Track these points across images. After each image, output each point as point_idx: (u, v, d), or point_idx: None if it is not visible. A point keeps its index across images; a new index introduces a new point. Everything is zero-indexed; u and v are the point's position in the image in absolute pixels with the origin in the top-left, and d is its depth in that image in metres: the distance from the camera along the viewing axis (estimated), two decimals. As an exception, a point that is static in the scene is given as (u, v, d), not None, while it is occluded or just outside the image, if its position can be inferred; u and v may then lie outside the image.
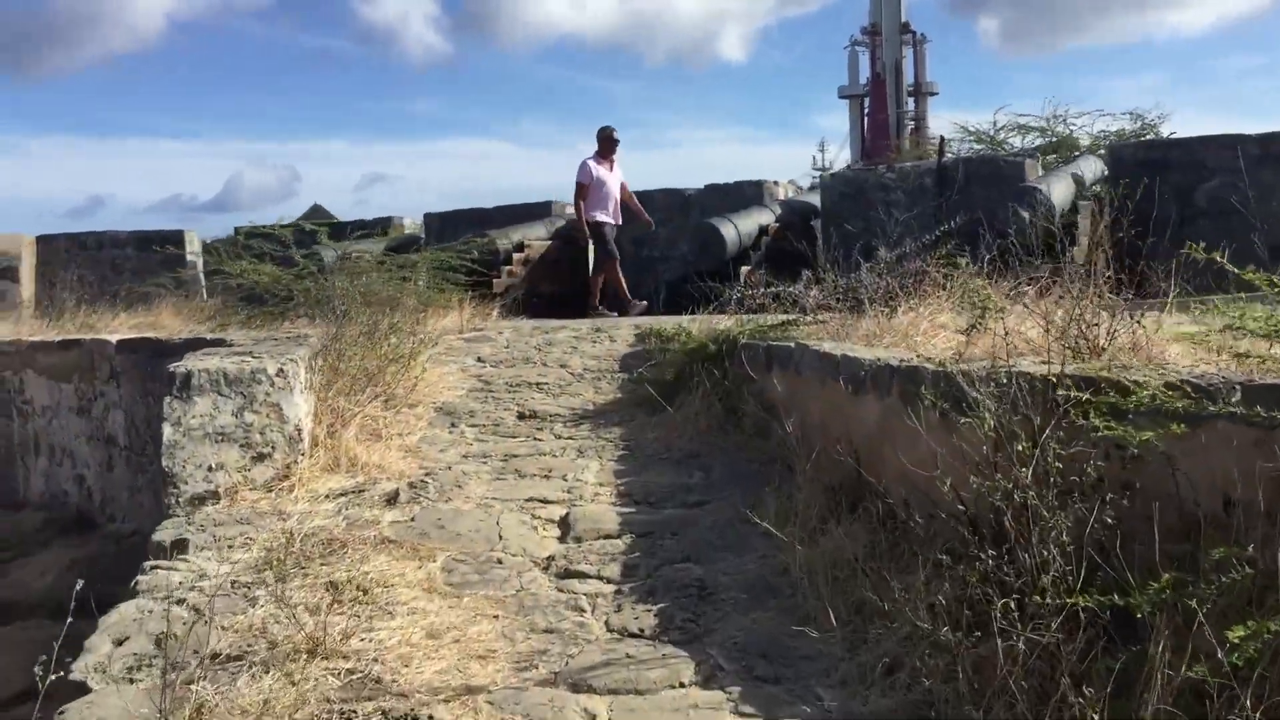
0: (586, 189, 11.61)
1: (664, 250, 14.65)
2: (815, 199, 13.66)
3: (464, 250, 11.09)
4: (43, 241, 18.75)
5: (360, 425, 5.32)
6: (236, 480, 4.55)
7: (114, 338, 7.30)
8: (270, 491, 4.58)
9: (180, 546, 4.08)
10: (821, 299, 5.97)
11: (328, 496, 4.56)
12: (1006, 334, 3.75)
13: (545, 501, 4.53)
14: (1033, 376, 3.35)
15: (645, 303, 11.45)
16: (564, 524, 4.30)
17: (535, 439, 5.58)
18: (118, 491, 7.26)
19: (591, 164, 11.60)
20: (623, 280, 11.95)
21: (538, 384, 6.70)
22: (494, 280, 13.50)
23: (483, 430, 5.77)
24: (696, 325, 7.71)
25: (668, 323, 8.44)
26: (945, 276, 6.08)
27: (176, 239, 18.63)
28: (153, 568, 3.87)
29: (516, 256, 14.25)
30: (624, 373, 6.97)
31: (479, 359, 7.43)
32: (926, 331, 5.26)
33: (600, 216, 11.67)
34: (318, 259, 15.75)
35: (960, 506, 3.35)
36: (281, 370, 4.74)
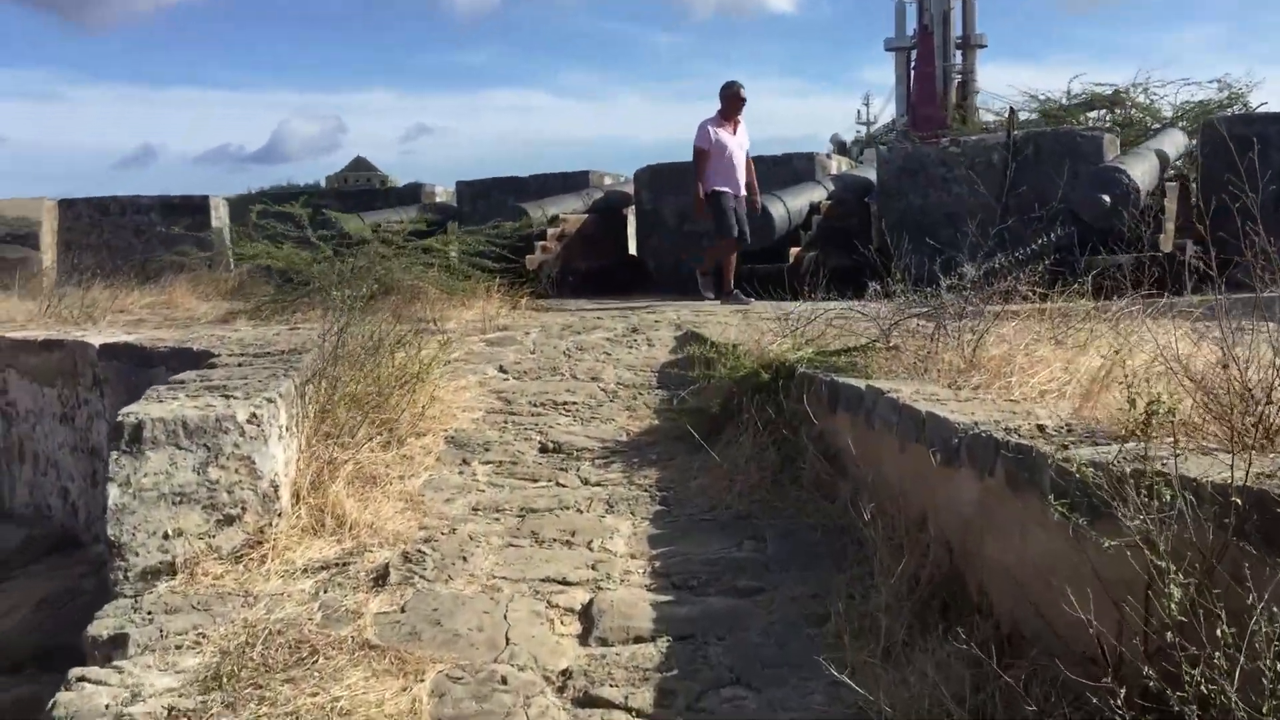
0: (706, 155, 10.32)
1: (707, 225, 13.78)
2: (871, 174, 12.73)
3: (494, 234, 10.27)
4: (64, 206, 18.18)
5: (354, 470, 4.56)
6: (198, 550, 3.81)
7: (97, 341, 6.59)
8: (239, 563, 3.83)
9: (119, 644, 3.36)
10: (893, 316, 5.13)
11: (305, 570, 3.81)
12: (1157, 409, 2.90)
13: (565, 583, 3.74)
14: (1200, 483, 2.52)
15: (752, 301, 9.84)
16: (586, 616, 3.52)
17: (558, 484, 4.79)
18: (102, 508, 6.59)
19: (711, 127, 10.32)
20: (733, 266, 10.71)
21: (565, 404, 5.91)
22: (527, 258, 12.73)
23: (498, 469, 5.00)
24: (740, 330, 6.90)
25: (712, 323, 7.63)
26: (1039, 293, 5.24)
27: (201, 205, 18.02)
28: (79, 680, 3.15)
29: (551, 232, 13.44)
30: (662, 389, 6.18)
31: (501, 368, 6.65)
32: (1023, 367, 4.42)
33: (721, 185, 10.40)
34: (338, 231, 15.12)
35: (1100, 650, 2.55)
36: (254, 416, 3.97)
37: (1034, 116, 15.13)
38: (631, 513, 4.40)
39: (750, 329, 7.46)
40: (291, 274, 9.51)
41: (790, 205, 11.48)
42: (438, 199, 17.41)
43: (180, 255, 13.84)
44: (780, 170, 13.14)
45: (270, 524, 3.96)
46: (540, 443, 5.32)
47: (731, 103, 10.43)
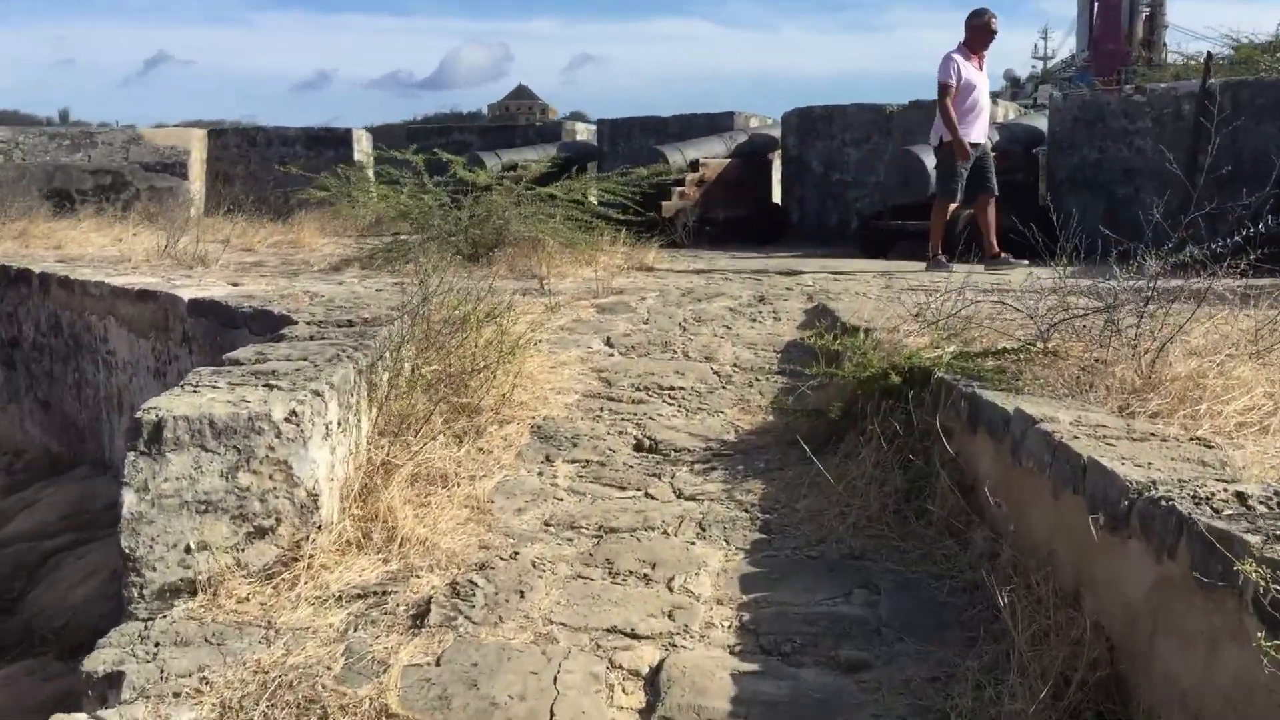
0: (953, 93, 9.06)
1: (856, 175, 12.88)
2: (1041, 123, 11.62)
3: (623, 182, 9.62)
4: (214, 136, 18.34)
5: (419, 468, 4.04)
6: (223, 566, 3.35)
7: (188, 295, 6.24)
8: (269, 582, 3.36)
9: (114, 683, 2.93)
10: (1052, 313, 4.31)
11: (340, 599, 3.30)
12: None
13: (633, 635, 3.14)
14: None
15: (1026, 262, 8.48)
16: (653, 686, 2.91)
17: (648, 494, 4.18)
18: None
19: (958, 59, 9.07)
20: (994, 225, 9.39)
21: (671, 389, 5.28)
22: (662, 204, 12.08)
23: (583, 471, 4.41)
24: (878, 304, 6.14)
25: (849, 294, 6.88)
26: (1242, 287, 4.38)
27: (345, 138, 17.94)
28: (57, 731, 2.73)
29: (690, 176, 12.76)
30: (783, 374, 5.49)
31: (608, 341, 6.05)
32: (1214, 393, 3.60)
33: (967, 133, 9.12)
34: (480, 167, 14.71)
35: None
36: (294, 414, 3.47)
37: (1232, 62, 13.59)
38: (725, 540, 3.76)
39: (890, 302, 6.68)
40: (409, 219, 9.10)
41: (947, 157, 10.48)
42: (579, 136, 16.85)
43: (319, 190, 13.59)
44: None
45: (308, 537, 3.47)
46: (636, 438, 4.71)
47: (979, 34, 9.18)
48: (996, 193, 9.33)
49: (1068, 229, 7.87)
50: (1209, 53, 10.62)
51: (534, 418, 4.86)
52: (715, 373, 5.55)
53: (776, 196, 14.00)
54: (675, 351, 5.88)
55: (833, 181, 13.02)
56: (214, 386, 3.69)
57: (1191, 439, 3.21)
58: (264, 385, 3.69)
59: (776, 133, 13.89)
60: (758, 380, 5.43)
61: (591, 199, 10.07)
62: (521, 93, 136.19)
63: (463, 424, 4.57)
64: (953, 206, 9.44)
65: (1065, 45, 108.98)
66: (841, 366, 4.61)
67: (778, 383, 5.38)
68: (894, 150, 12.22)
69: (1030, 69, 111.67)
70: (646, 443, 4.66)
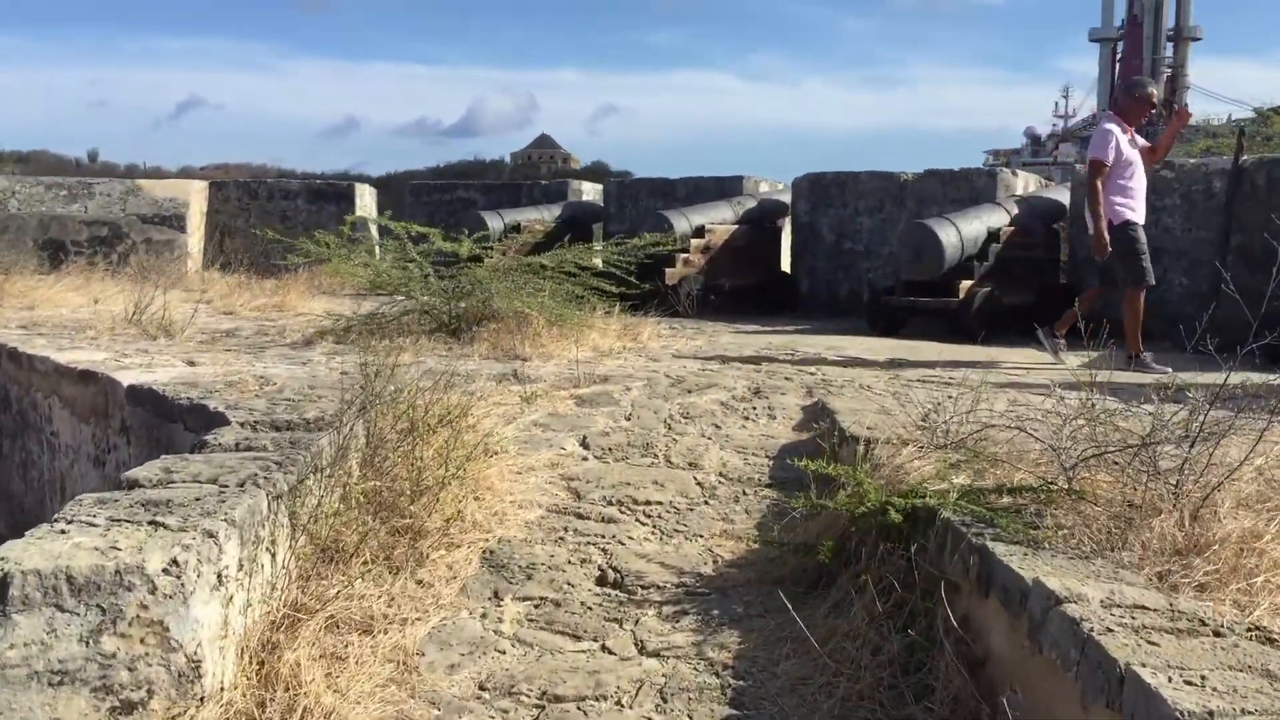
0: (1107, 172, 7.96)
1: (869, 244, 12.37)
2: (1063, 196, 11.07)
3: (619, 252, 9.10)
4: (214, 188, 17.99)
5: (341, 612, 3.48)
6: (79, 750, 2.79)
7: (128, 379, 5.72)
8: (134, 771, 2.80)
9: None
10: (1078, 449, 3.73)
11: (212, 799, 2.74)
12: None
13: None
14: None
15: (1169, 370, 7.52)
16: None
17: (606, 647, 3.59)
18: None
19: (1117, 132, 7.99)
20: (1141, 319, 8.22)
21: (647, 505, 4.72)
22: (666, 271, 11.58)
23: (535, 611, 3.84)
24: (884, 404, 5.59)
25: (853, 388, 6.33)
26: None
27: (347, 193, 17.57)
28: None
29: (695, 243, 12.28)
30: (775, 486, 4.93)
31: (584, 441, 5.49)
32: (1275, 562, 3.01)
33: (1130, 213, 8.06)
34: (481, 228, 14.26)
35: None
36: (174, 564, 2.92)
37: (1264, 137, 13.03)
38: (689, 716, 3.18)
39: (897, 399, 6.11)
40: (385, 289, 8.60)
41: (963, 230, 9.98)
42: (585, 196, 16.41)
43: (303, 254, 13.10)
44: (954, 188, 11.63)
45: (185, 712, 2.91)
46: (601, 568, 4.14)
47: (1141, 106, 8.20)
48: (1152, 281, 8.24)
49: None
50: (1241, 128, 10.10)
51: (487, 540, 4.29)
52: (699, 483, 4.98)
53: (786, 264, 13.49)
54: (656, 456, 5.32)
55: (844, 251, 12.50)
56: (90, 524, 3.14)
57: (1250, 630, 2.62)
58: (149, 522, 3.14)
59: (787, 198, 13.41)
60: (745, 495, 4.86)
61: (596, 262, 9.56)
62: (544, 142, 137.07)
63: (403, 550, 4.01)
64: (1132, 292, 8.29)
65: (1086, 104, 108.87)
66: (834, 494, 4.04)
67: (767, 499, 4.81)
68: (906, 221, 11.73)
69: (1051, 127, 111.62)
70: (612, 575, 4.08)
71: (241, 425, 4.57)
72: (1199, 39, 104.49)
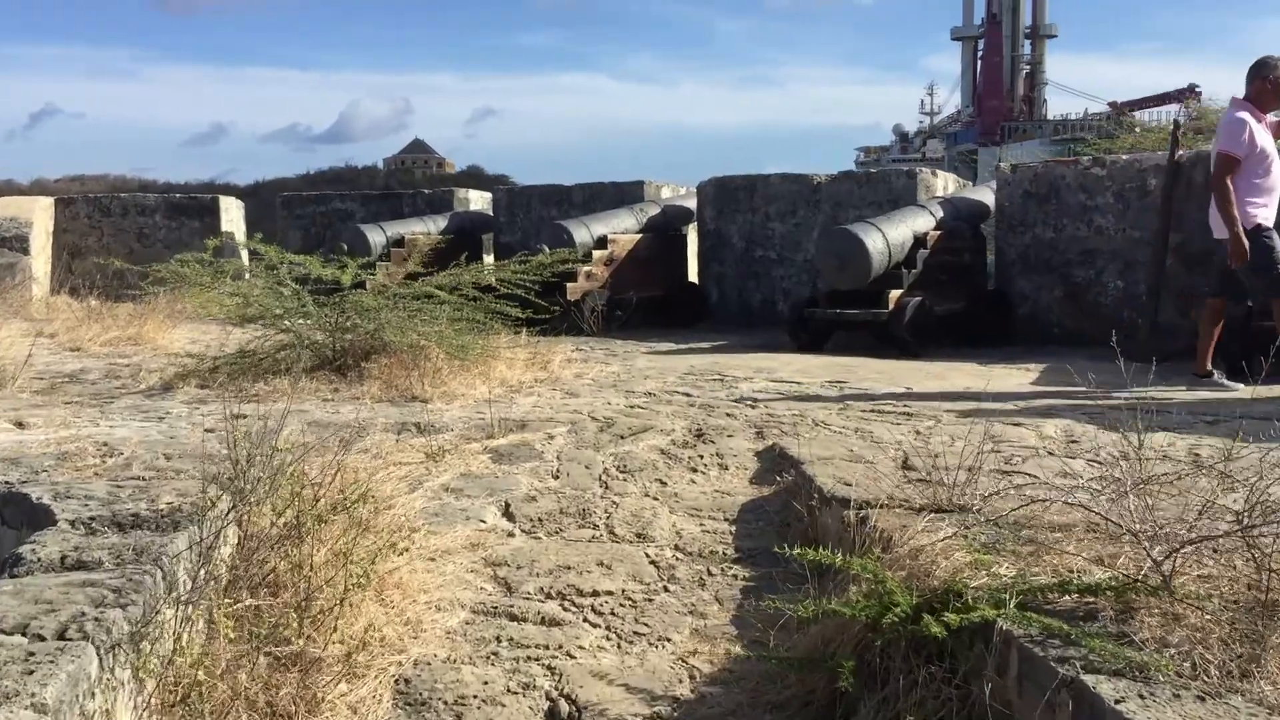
0: (1238, 166, 6.89)
1: (781, 251, 11.66)
2: (986, 196, 10.51)
3: (524, 272, 8.16)
4: (61, 205, 16.43)
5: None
6: None
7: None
8: None
9: None
10: (1174, 532, 2.97)
11: None
12: None
13: None
14: None
15: (1241, 386, 6.89)
16: None
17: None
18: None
19: (1250, 121, 6.93)
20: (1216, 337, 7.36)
21: (595, 595, 3.82)
22: (568, 286, 10.68)
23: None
24: (849, 439, 4.82)
25: (806, 422, 5.54)
26: None
27: (211, 207, 16.23)
28: None
29: (598, 254, 11.42)
30: (744, 560, 4.10)
31: (506, 509, 4.57)
32: None
33: (1261, 216, 6.92)
34: (362, 244, 13.14)
35: None
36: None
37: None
38: None
39: (862, 439, 5.34)
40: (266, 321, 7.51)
41: (890, 236, 9.32)
42: (473, 206, 15.40)
43: (180, 269, 11.72)
44: (872, 190, 11.01)
45: None
46: (550, 697, 3.23)
47: (1274, 90, 7.03)
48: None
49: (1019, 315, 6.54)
50: (1176, 121, 9.64)
51: (400, 664, 3.34)
52: (653, 562, 4.11)
53: (693, 274, 12.73)
54: (596, 526, 4.43)
55: (755, 258, 11.78)
56: None
57: None
58: (-88, 724, 2.15)
59: (691, 204, 12.64)
60: (710, 575, 4.01)
61: (491, 281, 8.58)
62: (418, 146, 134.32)
63: (290, 690, 3.05)
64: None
65: (951, 101, 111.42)
66: (834, 585, 3.22)
67: (738, 579, 3.97)
68: (823, 225, 11.07)
69: (918, 124, 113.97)
70: (565, 708, 3.18)
71: (73, 525, 3.54)
72: (1055, 36, 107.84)
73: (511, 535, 4.35)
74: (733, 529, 4.40)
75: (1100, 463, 4.80)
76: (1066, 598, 2.86)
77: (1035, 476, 4.48)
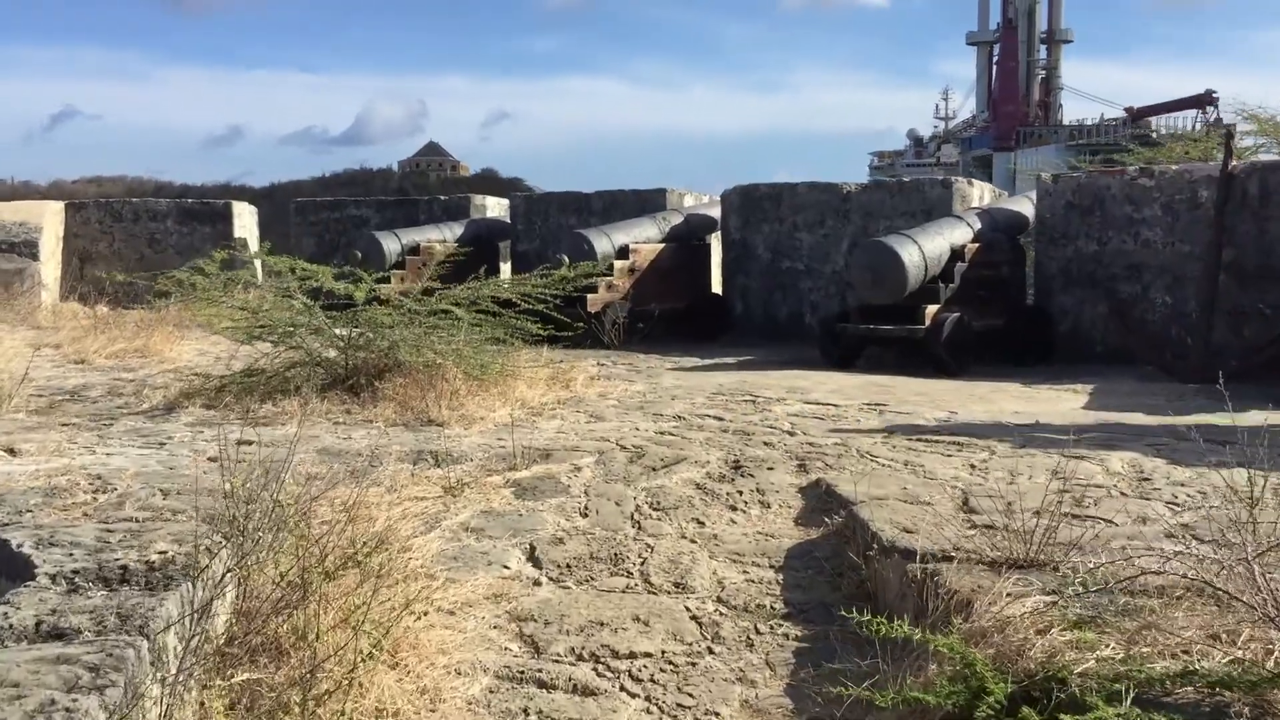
0: None
1: (809, 263, 11.26)
2: (1026, 208, 10.10)
3: (546, 285, 7.79)
4: (72, 210, 16.13)
5: None
6: None
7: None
8: None
9: None
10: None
11: None
12: None
13: None
14: None
15: None
16: None
17: None
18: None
19: None
20: None
21: (632, 660, 3.44)
22: (589, 298, 10.31)
23: None
24: (899, 472, 4.44)
25: (851, 453, 5.16)
26: None
27: (224, 213, 15.92)
28: None
29: (619, 265, 11.04)
30: (796, 615, 3.72)
31: (531, 553, 4.20)
32: None
33: None
34: (377, 252, 12.79)
35: None
36: None
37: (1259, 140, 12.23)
38: None
39: (914, 473, 4.96)
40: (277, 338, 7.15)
41: (926, 248, 8.92)
42: (490, 213, 15.05)
43: (189, 280, 11.29)
44: (905, 200, 10.60)
45: None
46: (585, 785, 2.85)
47: None
48: None
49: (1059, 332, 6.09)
50: (1229, 131, 9.22)
51: (415, 743, 2.97)
52: (694, 617, 3.73)
53: (716, 285, 12.35)
54: (630, 573, 4.05)
55: (782, 270, 11.39)
56: None
57: None
58: None
59: (715, 212, 12.26)
60: (758, 633, 3.63)
61: (511, 296, 8.19)
62: (432, 149, 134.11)
63: (293, 779, 2.68)
64: None
65: (966, 106, 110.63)
66: (914, 665, 2.84)
67: (789, 637, 3.59)
68: (854, 237, 10.69)
69: (933, 129, 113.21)
70: (604, 800, 2.80)
71: (54, 580, 3.17)
72: (1070, 41, 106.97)
73: (538, 584, 3.97)
74: (779, 578, 4.02)
75: (1179, 505, 4.41)
76: (1189, 689, 2.47)
77: (1112, 522, 4.11)
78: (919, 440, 5.69)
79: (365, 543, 3.35)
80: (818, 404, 7.00)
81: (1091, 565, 3.29)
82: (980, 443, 5.59)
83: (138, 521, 3.86)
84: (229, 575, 3.02)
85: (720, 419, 6.39)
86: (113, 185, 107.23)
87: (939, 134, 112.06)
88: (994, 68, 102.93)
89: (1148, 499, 4.50)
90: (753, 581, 4.00)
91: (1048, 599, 3.01)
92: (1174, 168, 9.54)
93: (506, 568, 4.08)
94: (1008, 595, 3.04)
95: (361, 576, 3.24)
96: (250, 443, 5.44)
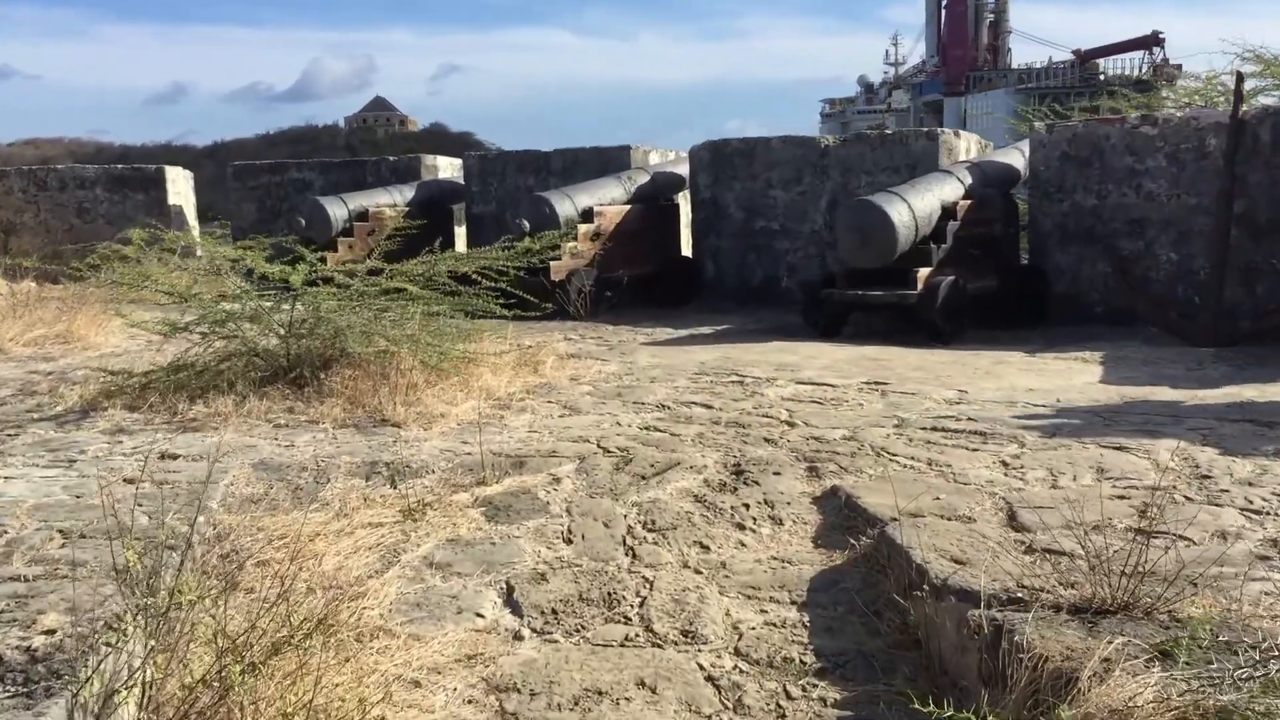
0: None
1: (785, 222, 10.59)
2: (1016, 160, 9.48)
3: (510, 259, 7.06)
4: (-8, 179, 15.12)
5: None
6: None
7: None
8: None
9: None
10: None
11: None
12: None
13: None
14: None
15: None
16: None
17: None
18: None
19: None
20: None
21: (641, 744, 2.81)
22: (552, 264, 9.60)
23: None
24: (924, 475, 3.84)
25: (867, 447, 4.55)
26: None
27: (156, 179, 14.95)
28: None
29: (583, 229, 10.33)
30: (827, 670, 3.09)
31: (508, 594, 3.53)
32: None
33: None
34: (321, 216, 12.00)
35: None
36: None
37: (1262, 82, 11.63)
38: None
39: (944, 481, 4.35)
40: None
41: (916, 207, 8.29)
42: (442, 174, 14.22)
43: (120, 244, 10.31)
44: (887, 154, 9.95)
45: None
46: None
47: None
48: None
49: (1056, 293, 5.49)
50: (1239, 73, 8.61)
51: None
52: (710, 678, 3.09)
53: (685, 247, 11.65)
54: (629, 618, 3.40)
55: (756, 230, 10.72)
56: None
57: None
58: None
59: (683, 170, 11.54)
60: (789, 697, 3.00)
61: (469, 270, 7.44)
62: (379, 104, 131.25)
63: None
64: None
65: (915, 51, 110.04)
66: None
67: (826, 702, 2.96)
68: (833, 194, 10.04)
69: (883, 75, 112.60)
70: None
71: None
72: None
73: (519, 637, 3.31)
74: (805, 618, 3.39)
75: (1257, 512, 3.83)
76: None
77: (1188, 539, 3.51)
78: (936, 431, 5.07)
79: (305, 620, 2.67)
80: (812, 384, 6.37)
81: (1200, 613, 2.72)
82: (1005, 432, 4.99)
83: (26, 581, 3.16)
84: (131, 678, 2.34)
85: (709, 407, 5.74)
86: (50, 147, 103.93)
87: (889, 80, 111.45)
88: (943, 12, 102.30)
89: (1218, 504, 3.91)
90: (774, 625, 3.36)
91: (1165, 675, 2.40)
92: (1179, 114, 8.95)
93: (480, 616, 3.41)
94: (1110, 662, 2.42)
95: (299, 671, 2.56)
96: (176, 456, 4.75)
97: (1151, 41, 79.35)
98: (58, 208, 14.89)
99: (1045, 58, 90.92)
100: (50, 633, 2.75)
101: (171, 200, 14.80)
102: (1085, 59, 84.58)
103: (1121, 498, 3.94)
